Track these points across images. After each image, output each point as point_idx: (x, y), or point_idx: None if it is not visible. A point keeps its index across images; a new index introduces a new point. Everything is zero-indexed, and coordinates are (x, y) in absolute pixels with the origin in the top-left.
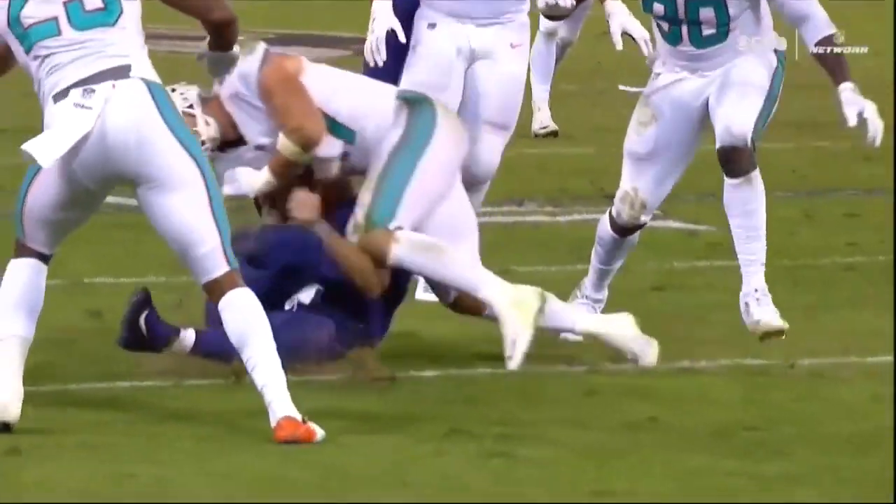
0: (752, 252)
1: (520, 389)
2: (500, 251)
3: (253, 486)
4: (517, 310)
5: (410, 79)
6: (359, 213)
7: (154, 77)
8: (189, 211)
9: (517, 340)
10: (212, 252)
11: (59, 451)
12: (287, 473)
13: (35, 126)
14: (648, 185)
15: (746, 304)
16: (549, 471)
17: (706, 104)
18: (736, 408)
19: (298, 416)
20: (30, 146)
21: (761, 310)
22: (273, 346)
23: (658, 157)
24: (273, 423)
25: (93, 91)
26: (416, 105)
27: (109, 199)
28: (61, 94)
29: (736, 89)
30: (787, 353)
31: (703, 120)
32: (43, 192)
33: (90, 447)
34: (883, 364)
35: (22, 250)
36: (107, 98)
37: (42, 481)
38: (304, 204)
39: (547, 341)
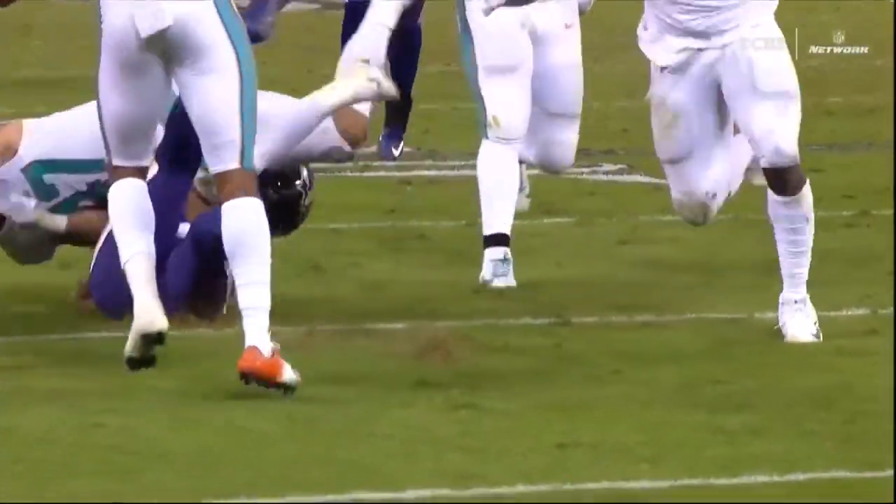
0: (798, 266)
1: (486, 341)
2: (466, 203)
3: (220, 437)
4: (347, 79)
5: (483, 64)
6: None
7: None
8: (218, 98)
9: (361, 80)
10: (230, 143)
11: (27, 399)
12: (255, 424)
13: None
14: (700, 182)
15: (783, 311)
16: (514, 422)
17: (718, 83)
18: (700, 361)
19: (268, 350)
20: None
21: (794, 322)
22: (268, 269)
23: (698, 150)
24: (244, 348)
25: None
26: None
27: None
28: None
29: (773, 101)
30: (750, 307)
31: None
32: (106, 83)
33: (59, 396)
34: (845, 318)
35: (116, 173)
36: None
37: (9, 428)
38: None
39: (513, 293)
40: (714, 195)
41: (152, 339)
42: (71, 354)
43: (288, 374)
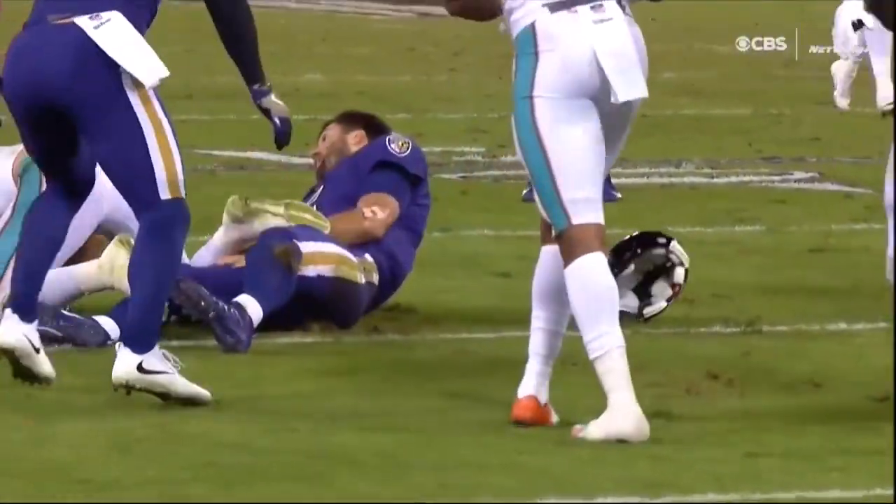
0: None
1: (677, 349)
2: (657, 211)
3: (410, 442)
4: None
5: None
6: None
7: None
8: (613, 157)
9: None
10: (599, 198)
11: (220, 404)
12: (445, 430)
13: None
14: None
15: None
16: (705, 430)
17: None
18: (892, 370)
19: (543, 400)
20: (623, 94)
21: None
22: (566, 321)
23: None
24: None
25: (601, 6)
26: (25, 171)
27: None
28: (562, 5)
29: None
30: None
31: None
32: (558, 120)
33: (251, 401)
34: None
35: (574, 235)
36: (619, 16)
37: (202, 434)
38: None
39: (704, 301)
40: None
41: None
42: (262, 360)
43: (554, 417)
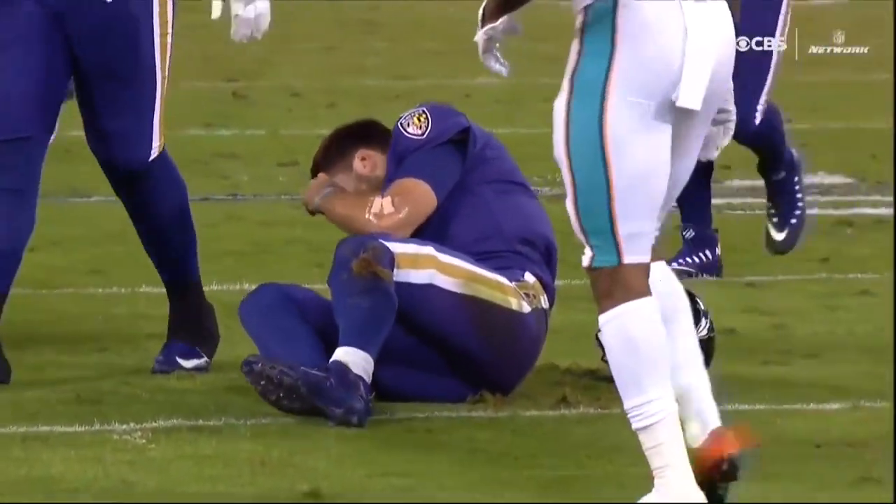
0: None
1: None
2: None
3: None
4: None
5: None
6: None
7: None
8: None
9: None
10: None
11: (363, 495)
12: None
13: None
14: None
15: None
16: None
17: None
18: None
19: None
20: (685, 99)
21: None
22: None
23: None
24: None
25: None
26: None
27: None
28: None
29: None
30: None
31: None
32: (645, 152)
33: (409, 491)
34: None
35: (621, 275)
36: None
37: None
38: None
39: None
40: None
41: None
42: (420, 441)
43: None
